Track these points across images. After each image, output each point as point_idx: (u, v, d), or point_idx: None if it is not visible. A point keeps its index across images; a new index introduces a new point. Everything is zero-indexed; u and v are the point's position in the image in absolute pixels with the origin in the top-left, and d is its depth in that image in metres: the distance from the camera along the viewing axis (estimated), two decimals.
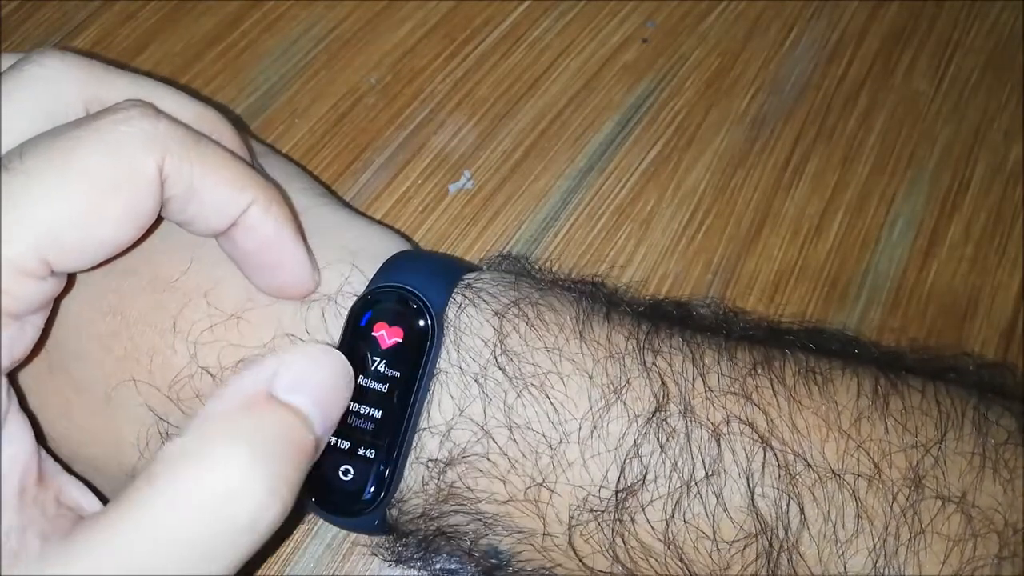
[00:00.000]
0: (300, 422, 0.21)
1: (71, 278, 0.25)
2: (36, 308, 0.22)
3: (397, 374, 0.25)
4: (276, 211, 0.24)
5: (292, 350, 0.22)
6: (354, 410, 0.25)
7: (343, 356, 0.23)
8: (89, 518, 0.19)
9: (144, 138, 0.22)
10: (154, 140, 0.22)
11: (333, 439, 0.25)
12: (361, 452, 0.25)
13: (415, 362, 0.25)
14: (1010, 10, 0.46)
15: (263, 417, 0.20)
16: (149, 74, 0.26)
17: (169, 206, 0.23)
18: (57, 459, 0.23)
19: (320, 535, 0.33)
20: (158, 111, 0.23)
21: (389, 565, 0.31)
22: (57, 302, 0.25)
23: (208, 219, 0.24)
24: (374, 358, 0.26)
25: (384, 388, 0.25)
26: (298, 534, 0.33)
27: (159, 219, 0.24)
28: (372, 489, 0.25)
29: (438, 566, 0.29)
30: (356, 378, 0.25)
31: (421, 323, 0.25)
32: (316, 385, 0.22)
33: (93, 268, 0.23)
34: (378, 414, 0.25)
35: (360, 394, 0.25)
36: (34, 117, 0.23)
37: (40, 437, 0.24)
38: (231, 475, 0.19)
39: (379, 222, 0.32)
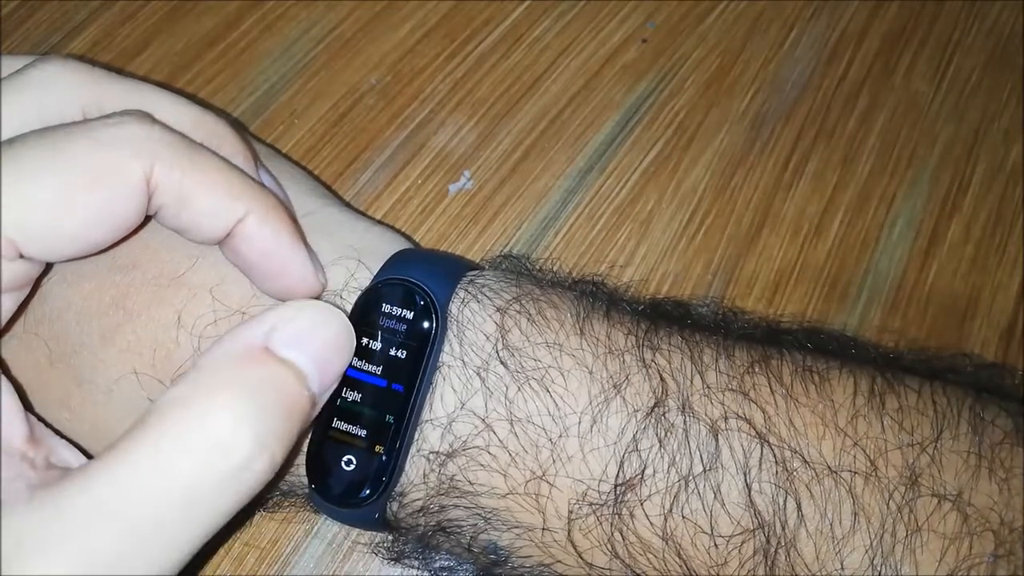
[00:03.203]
0: (295, 378, 0.21)
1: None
2: (5, 286, 0.22)
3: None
4: (274, 220, 0.24)
5: (291, 306, 0.22)
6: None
7: (344, 315, 0.23)
8: (80, 467, 0.19)
9: (133, 142, 0.22)
10: (144, 145, 0.22)
11: (338, 428, 0.25)
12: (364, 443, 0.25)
13: (419, 354, 0.25)
14: (1010, 10, 0.47)
15: (257, 370, 0.20)
16: (149, 78, 0.26)
17: (161, 213, 0.23)
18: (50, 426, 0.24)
19: (320, 534, 0.33)
20: (154, 119, 0.23)
21: (389, 564, 0.31)
22: (37, 284, 0.25)
23: (202, 227, 0.24)
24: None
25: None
26: (298, 534, 0.33)
27: None
28: (374, 480, 0.25)
29: (437, 564, 0.29)
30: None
31: (425, 316, 0.26)
32: (314, 342, 0.22)
33: (85, 257, 0.23)
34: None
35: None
36: (29, 120, 0.23)
37: (29, 407, 0.24)
38: (221, 426, 0.19)
39: (382, 222, 0.32)
